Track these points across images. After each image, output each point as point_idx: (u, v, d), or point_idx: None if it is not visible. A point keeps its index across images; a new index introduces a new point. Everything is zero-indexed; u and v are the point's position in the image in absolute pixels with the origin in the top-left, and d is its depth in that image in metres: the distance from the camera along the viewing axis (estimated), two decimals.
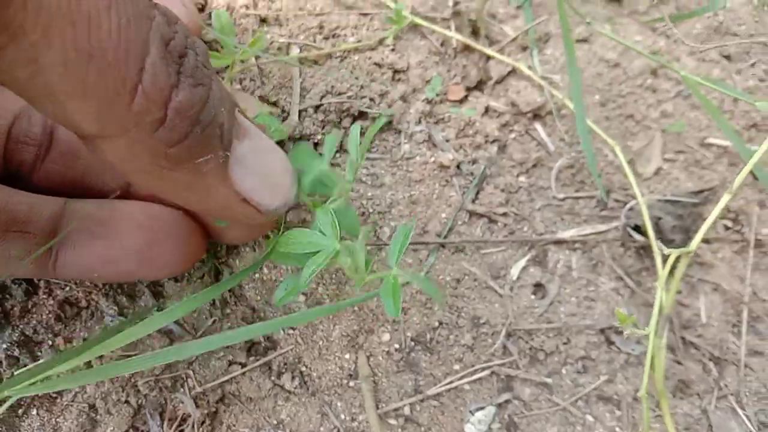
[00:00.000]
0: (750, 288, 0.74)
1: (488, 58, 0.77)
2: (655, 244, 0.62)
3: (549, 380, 0.63)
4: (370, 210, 0.68)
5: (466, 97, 0.75)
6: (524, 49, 0.80)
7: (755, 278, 0.76)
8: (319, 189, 0.50)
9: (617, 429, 0.63)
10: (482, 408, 0.62)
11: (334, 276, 0.65)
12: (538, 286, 0.68)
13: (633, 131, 0.78)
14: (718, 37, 0.88)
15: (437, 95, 0.74)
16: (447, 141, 0.72)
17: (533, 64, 0.79)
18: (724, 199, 0.58)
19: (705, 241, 0.76)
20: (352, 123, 0.70)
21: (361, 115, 0.70)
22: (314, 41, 0.74)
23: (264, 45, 0.67)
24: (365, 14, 0.78)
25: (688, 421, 0.66)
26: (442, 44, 0.77)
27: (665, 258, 0.66)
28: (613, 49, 0.82)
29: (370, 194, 0.68)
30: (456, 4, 0.79)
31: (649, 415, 0.61)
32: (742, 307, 0.73)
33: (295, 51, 0.73)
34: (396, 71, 0.74)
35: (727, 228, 0.77)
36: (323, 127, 0.69)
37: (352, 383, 0.62)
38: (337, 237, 0.48)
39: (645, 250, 0.71)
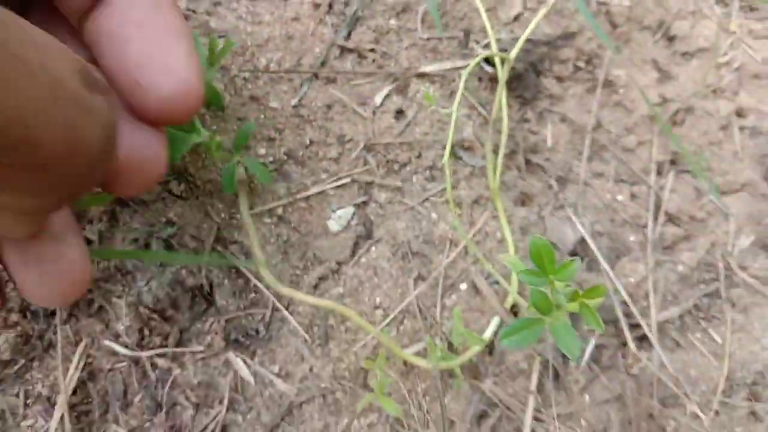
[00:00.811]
0: (595, 120, 0.85)
1: None
2: (476, 47, 0.72)
3: (401, 184, 0.74)
4: (249, 43, 0.76)
5: None
6: None
7: (603, 113, 0.86)
8: None
9: (457, 224, 0.74)
10: (343, 208, 0.73)
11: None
12: (399, 112, 0.78)
13: None
14: None
15: None
16: None
17: None
18: (542, 12, 0.67)
19: (557, 78, 0.86)
20: None
21: None
22: None
23: None
24: None
25: (524, 223, 0.78)
26: None
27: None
28: None
29: (249, 30, 0.76)
30: None
31: (451, 181, 0.73)
32: (586, 136, 0.84)
33: None
34: None
35: (579, 68, 0.87)
36: None
37: None
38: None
39: (497, 83, 0.81)
